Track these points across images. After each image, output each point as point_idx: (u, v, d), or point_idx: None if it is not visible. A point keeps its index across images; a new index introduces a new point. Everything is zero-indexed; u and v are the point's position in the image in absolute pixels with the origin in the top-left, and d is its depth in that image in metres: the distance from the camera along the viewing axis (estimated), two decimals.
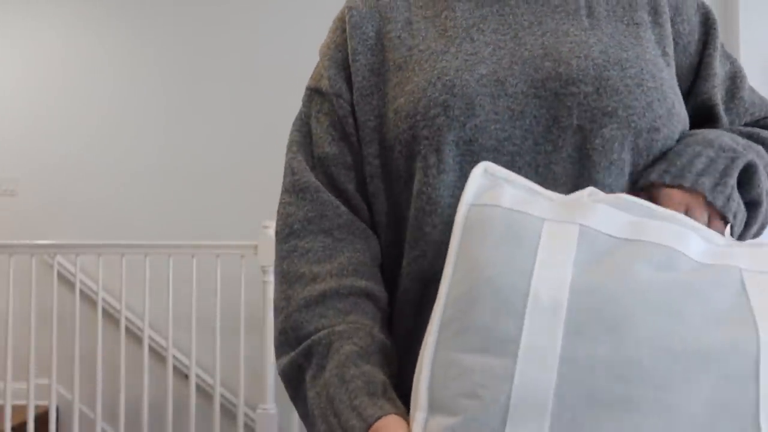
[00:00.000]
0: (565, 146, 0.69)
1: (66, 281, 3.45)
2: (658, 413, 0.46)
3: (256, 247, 2.89)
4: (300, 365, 0.69)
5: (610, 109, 0.69)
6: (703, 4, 0.82)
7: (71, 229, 3.61)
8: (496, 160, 0.69)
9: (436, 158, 0.70)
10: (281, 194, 0.80)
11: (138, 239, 3.26)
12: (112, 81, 3.69)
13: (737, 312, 0.50)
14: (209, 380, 3.35)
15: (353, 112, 0.78)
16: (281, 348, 0.72)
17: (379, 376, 0.65)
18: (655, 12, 0.77)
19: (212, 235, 3.33)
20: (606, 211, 0.56)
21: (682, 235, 0.55)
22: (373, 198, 0.77)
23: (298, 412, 0.71)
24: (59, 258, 3.25)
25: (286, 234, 0.77)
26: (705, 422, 0.45)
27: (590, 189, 0.60)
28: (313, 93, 0.82)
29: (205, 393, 3.38)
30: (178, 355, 3.33)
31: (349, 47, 0.79)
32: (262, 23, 3.61)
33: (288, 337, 0.71)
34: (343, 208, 0.76)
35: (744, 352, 0.48)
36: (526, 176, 0.69)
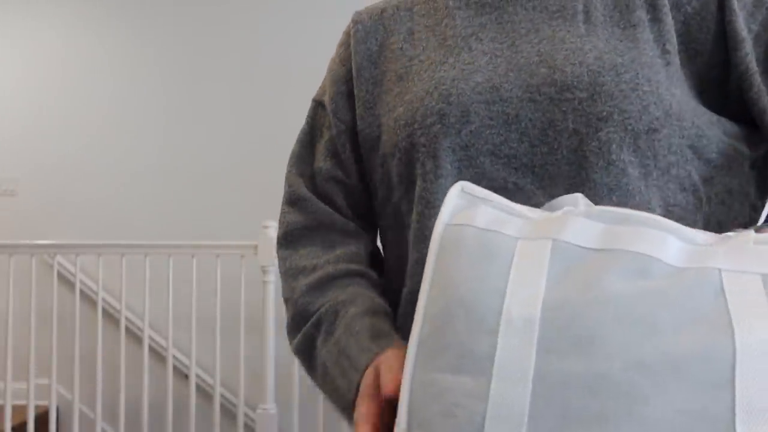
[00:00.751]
0: (561, 148, 0.69)
1: (66, 281, 3.46)
2: (631, 426, 0.45)
3: (256, 247, 2.90)
4: (311, 335, 0.76)
5: (605, 114, 0.68)
6: None
7: (71, 229, 3.62)
8: (493, 164, 0.70)
9: (433, 164, 0.72)
10: (281, 205, 0.87)
11: (138, 239, 3.27)
12: (112, 81, 3.70)
13: (713, 316, 0.48)
14: (209, 380, 3.35)
15: (347, 130, 0.82)
16: (293, 332, 0.79)
17: (384, 326, 0.70)
18: (653, 8, 0.75)
19: (212, 235, 3.34)
20: (580, 223, 0.55)
21: (657, 239, 0.53)
22: (380, 208, 0.81)
23: (315, 383, 0.77)
24: (59, 258, 3.26)
25: (287, 240, 0.84)
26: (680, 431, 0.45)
27: (565, 208, 0.59)
28: (318, 106, 0.88)
29: (205, 393, 3.39)
30: (178, 355, 3.34)
31: (354, 62, 0.83)
32: (262, 23, 3.61)
33: (297, 321, 0.78)
34: (336, 215, 0.83)
35: (719, 357, 0.46)
36: (523, 177, 0.69)
